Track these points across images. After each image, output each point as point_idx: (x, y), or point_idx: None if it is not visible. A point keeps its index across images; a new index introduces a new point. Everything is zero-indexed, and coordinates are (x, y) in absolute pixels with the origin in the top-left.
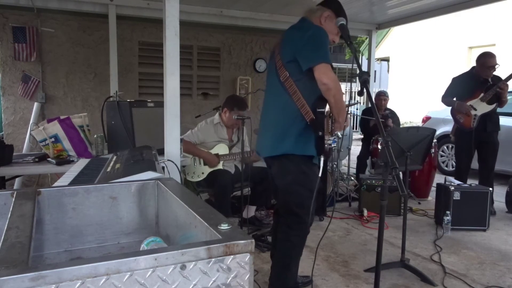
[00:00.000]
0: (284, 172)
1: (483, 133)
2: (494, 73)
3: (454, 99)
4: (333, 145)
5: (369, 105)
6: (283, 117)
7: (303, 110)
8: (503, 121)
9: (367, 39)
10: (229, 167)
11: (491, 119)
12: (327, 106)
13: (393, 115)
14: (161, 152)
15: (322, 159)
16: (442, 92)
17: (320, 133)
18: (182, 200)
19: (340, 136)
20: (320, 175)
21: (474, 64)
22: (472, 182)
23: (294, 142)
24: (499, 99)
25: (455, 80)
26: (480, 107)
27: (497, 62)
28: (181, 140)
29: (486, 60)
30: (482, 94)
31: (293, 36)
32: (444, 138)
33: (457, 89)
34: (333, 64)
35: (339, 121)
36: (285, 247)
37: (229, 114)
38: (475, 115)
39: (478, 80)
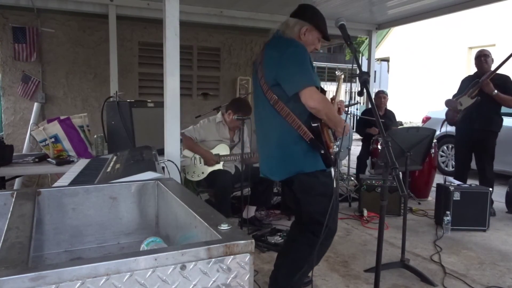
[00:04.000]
0: (306, 189)
1: (473, 132)
2: (498, 72)
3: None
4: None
5: (369, 106)
6: (284, 138)
7: (300, 131)
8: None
9: (367, 39)
10: (229, 168)
11: (478, 116)
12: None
13: (391, 115)
14: (161, 152)
15: (332, 169)
16: (442, 92)
17: (323, 151)
18: (182, 200)
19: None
20: (334, 186)
21: (474, 65)
22: (473, 182)
23: (304, 160)
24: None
25: (462, 80)
26: (465, 102)
27: (487, 53)
28: (181, 135)
29: (477, 52)
30: (470, 90)
31: (271, 57)
32: (444, 138)
33: (461, 88)
34: (333, 64)
35: (338, 131)
36: (307, 253)
37: (232, 117)
38: (460, 110)
39: (476, 78)
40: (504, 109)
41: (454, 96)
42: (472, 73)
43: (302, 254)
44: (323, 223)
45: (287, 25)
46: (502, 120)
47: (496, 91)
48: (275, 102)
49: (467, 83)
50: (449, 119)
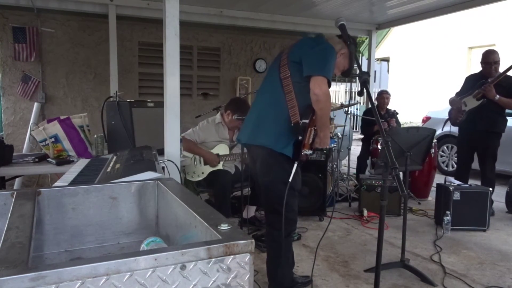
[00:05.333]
0: (267, 168)
1: (476, 132)
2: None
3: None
4: (333, 146)
5: (369, 106)
6: (271, 112)
7: (291, 112)
8: None
9: (367, 39)
10: (229, 167)
11: (482, 118)
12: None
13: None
14: (161, 152)
15: (295, 165)
16: (442, 92)
17: (300, 137)
18: (182, 200)
19: (340, 136)
20: (290, 180)
21: (476, 65)
22: (473, 182)
23: (276, 139)
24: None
25: (466, 78)
26: (470, 103)
27: (497, 60)
28: (182, 139)
29: (483, 56)
30: (476, 91)
31: (306, 42)
32: (444, 138)
33: (465, 87)
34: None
35: (320, 136)
36: (272, 248)
37: (231, 117)
38: (464, 110)
39: (482, 78)
40: (509, 110)
41: (457, 94)
42: (474, 71)
43: (273, 251)
44: (280, 212)
45: (333, 38)
46: (506, 121)
47: (498, 96)
48: (285, 77)
49: (472, 83)
50: (452, 118)
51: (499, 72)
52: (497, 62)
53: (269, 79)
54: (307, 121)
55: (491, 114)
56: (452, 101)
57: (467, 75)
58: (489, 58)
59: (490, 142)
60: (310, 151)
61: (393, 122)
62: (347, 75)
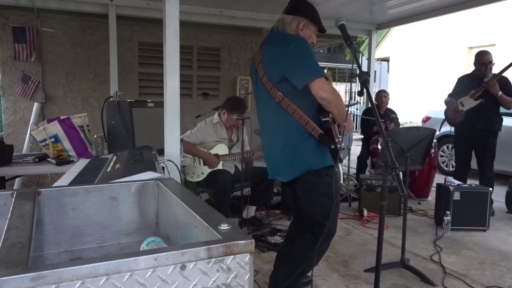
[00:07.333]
0: (309, 188)
1: (474, 132)
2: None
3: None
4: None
5: (369, 105)
6: (291, 136)
7: (309, 127)
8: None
9: (367, 39)
10: (229, 167)
11: (480, 117)
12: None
13: (391, 114)
14: (161, 152)
15: (340, 166)
16: (442, 92)
17: (333, 146)
18: (182, 200)
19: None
20: (341, 181)
21: (476, 68)
22: (473, 182)
23: (312, 158)
24: (497, 96)
25: (458, 79)
26: (468, 103)
27: (491, 60)
28: (181, 140)
29: (478, 57)
30: (472, 91)
31: (274, 53)
32: (444, 138)
33: (458, 88)
34: (333, 64)
35: (344, 125)
36: (306, 254)
37: (227, 116)
38: (462, 110)
39: (476, 79)
40: (504, 109)
41: (450, 95)
42: (469, 72)
43: (301, 255)
44: (323, 224)
45: (284, 22)
46: (502, 119)
47: (501, 92)
48: (281, 99)
49: (466, 83)
50: (449, 119)
51: (493, 73)
52: (491, 62)
53: (266, 104)
54: (327, 118)
55: (488, 113)
56: (448, 102)
57: (463, 74)
58: (484, 59)
59: (489, 141)
60: (340, 140)
61: (391, 126)
62: (323, 31)
